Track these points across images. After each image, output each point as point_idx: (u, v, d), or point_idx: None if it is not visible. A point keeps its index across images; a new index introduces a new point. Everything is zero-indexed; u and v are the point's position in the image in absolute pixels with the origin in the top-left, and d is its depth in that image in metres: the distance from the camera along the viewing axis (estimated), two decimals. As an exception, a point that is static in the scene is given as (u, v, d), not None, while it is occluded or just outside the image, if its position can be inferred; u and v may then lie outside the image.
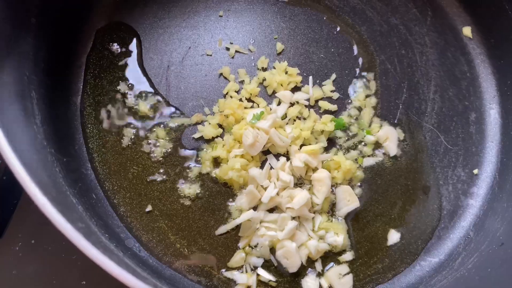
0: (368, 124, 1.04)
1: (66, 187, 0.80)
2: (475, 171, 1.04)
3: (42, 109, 0.84)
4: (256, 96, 1.04)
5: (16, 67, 0.76)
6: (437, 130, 1.06)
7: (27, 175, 0.59)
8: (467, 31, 1.12)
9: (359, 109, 1.05)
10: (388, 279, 0.96)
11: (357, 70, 1.08)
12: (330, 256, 0.96)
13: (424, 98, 1.08)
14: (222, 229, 0.95)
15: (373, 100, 1.06)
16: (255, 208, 0.96)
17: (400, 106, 1.07)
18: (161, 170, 0.98)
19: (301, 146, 0.99)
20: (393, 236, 0.98)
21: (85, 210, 0.81)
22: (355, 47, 1.10)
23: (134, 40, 1.07)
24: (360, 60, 1.09)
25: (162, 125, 1.01)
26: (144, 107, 1.02)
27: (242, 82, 1.05)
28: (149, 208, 0.96)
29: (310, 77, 1.06)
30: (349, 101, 1.06)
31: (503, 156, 1.04)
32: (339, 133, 1.02)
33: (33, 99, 0.81)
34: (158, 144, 1.00)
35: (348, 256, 0.96)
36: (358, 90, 1.07)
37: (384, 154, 1.03)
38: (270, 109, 1.02)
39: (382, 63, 1.10)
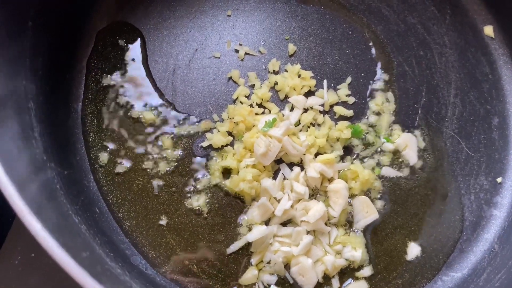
0: (386, 131, 0.98)
1: (68, 205, 0.74)
2: (499, 180, 0.98)
3: (41, 119, 0.79)
4: (267, 101, 0.98)
5: (12, 76, 0.71)
6: (458, 136, 1.00)
7: (26, 207, 0.53)
8: (488, 30, 1.07)
9: (377, 114, 1.00)
10: (409, 296, 0.91)
11: (374, 73, 1.02)
12: (348, 272, 0.91)
13: (444, 102, 1.02)
14: (234, 247, 0.89)
15: (391, 106, 1.00)
16: (267, 222, 0.90)
17: (419, 111, 1.01)
18: (168, 182, 0.93)
19: (316, 154, 0.94)
20: (413, 250, 0.93)
21: (88, 229, 0.76)
22: (371, 48, 1.04)
23: (138, 42, 1.01)
24: (377, 62, 1.03)
25: (168, 134, 0.95)
26: (149, 114, 0.96)
27: (252, 86, 1.00)
28: (163, 221, 0.90)
29: (325, 81, 1.00)
30: (366, 106, 1.00)
31: (528, 163, 0.99)
32: (355, 141, 0.97)
33: (31, 110, 0.76)
34: (164, 154, 0.94)
35: (367, 271, 0.91)
36: (376, 95, 1.01)
37: (402, 163, 0.97)
38: (283, 115, 0.97)
39: (399, 65, 1.04)
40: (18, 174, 0.56)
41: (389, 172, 0.96)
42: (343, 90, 1.00)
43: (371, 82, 1.02)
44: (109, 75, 0.98)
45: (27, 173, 0.61)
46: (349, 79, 1.01)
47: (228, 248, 0.90)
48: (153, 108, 0.97)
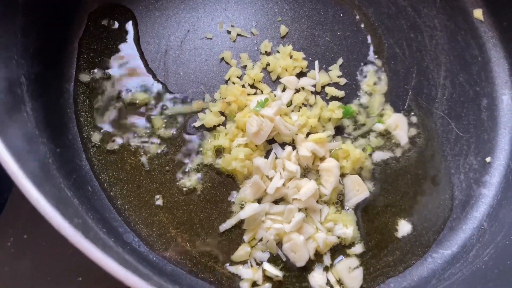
0: (377, 112, 0.99)
1: (61, 179, 0.74)
2: (488, 159, 1.00)
3: (33, 96, 0.78)
4: (259, 82, 0.99)
5: (4, 48, 0.70)
6: (447, 117, 1.02)
7: (18, 168, 0.53)
8: (478, 13, 1.08)
9: (368, 95, 1.00)
10: (399, 272, 0.92)
11: (365, 55, 1.03)
12: (339, 249, 0.91)
13: (434, 83, 1.03)
14: (226, 225, 0.90)
15: (383, 87, 1.01)
16: (259, 200, 0.91)
17: (410, 92, 1.02)
18: (161, 161, 0.93)
19: (307, 134, 0.94)
20: (404, 227, 0.94)
21: (80, 204, 0.76)
22: (362, 31, 1.05)
23: (130, 23, 1.01)
24: (368, 44, 1.04)
25: (160, 114, 0.96)
26: (141, 95, 0.96)
27: (244, 67, 1.00)
28: (156, 200, 0.91)
29: (316, 62, 1.01)
30: (357, 87, 1.01)
31: (517, 143, 1.00)
32: (347, 121, 0.98)
33: (23, 85, 0.76)
34: (156, 133, 0.94)
35: (358, 248, 0.92)
36: (367, 76, 1.02)
37: (393, 144, 0.98)
38: (275, 96, 0.97)
39: (390, 47, 1.05)
40: (10, 138, 0.56)
41: (381, 155, 0.97)
42: (335, 71, 1.01)
43: (362, 63, 1.03)
44: (101, 56, 0.98)
45: (20, 142, 0.61)
46: (340, 61, 1.02)
47: (220, 226, 0.90)
48: (145, 88, 0.97)
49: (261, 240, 0.89)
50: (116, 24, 1.01)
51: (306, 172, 0.94)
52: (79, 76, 0.96)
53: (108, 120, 0.95)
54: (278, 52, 1.01)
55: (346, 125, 0.98)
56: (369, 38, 1.05)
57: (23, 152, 0.59)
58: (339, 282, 0.90)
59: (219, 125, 0.95)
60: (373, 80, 1.01)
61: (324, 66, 1.02)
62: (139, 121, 0.95)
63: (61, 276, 0.94)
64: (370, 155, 0.97)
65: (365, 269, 0.91)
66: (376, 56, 1.04)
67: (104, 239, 0.70)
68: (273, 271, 0.87)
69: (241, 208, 0.91)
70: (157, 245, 0.89)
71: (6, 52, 0.72)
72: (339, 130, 0.98)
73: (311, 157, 0.91)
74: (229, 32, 1.02)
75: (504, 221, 0.91)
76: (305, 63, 1.00)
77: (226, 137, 0.93)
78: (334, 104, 0.97)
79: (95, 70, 0.97)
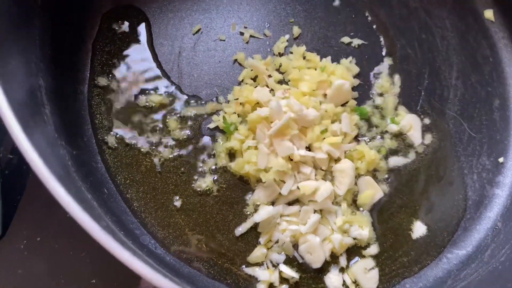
0: (392, 113, 0.99)
1: (80, 182, 0.74)
2: (501, 160, 1.00)
3: (51, 98, 0.78)
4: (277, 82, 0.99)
5: (24, 52, 0.71)
6: (460, 117, 1.02)
7: (48, 171, 0.53)
8: (489, 14, 1.08)
9: (381, 96, 1.01)
10: (415, 273, 0.92)
11: (378, 56, 1.03)
12: (355, 250, 0.92)
13: (446, 84, 1.04)
14: (242, 228, 0.90)
15: (396, 88, 1.01)
16: (273, 202, 0.91)
17: (422, 93, 1.03)
18: (176, 163, 0.93)
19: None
20: (419, 228, 0.94)
21: (99, 207, 0.76)
22: (374, 31, 1.05)
23: (143, 25, 1.01)
24: (380, 45, 1.04)
25: (175, 115, 0.96)
26: (155, 97, 0.96)
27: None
28: (173, 202, 0.91)
29: (329, 57, 1.01)
30: (371, 88, 1.01)
31: (529, 143, 1.01)
32: (360, 123, 0.98)
33: (42, 88, 0.76)
34: (171, 135, 0.94)
35: (373, 249, 0.92)
36: (380, 77, 1.02)
37: (407, 144, 0.98)
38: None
39: (402, 48, 1.05)
40: (38, 146, 0.56)
41: (396, 160, 0.97)
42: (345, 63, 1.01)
43: (375, 64, 1.03)
44: (114, 58, 0.98)
45: (45, 146, 0.61)
46: (350, 59, 1.02)
47: (236, 230, 0.90)
48: (159, 90, 0.97)
49: (277, 242, 0.89)
50: (129, 26, 1.00)
51: (318, 173, 0.93)
52: (93, 79, 0.96)
53: (123, 122, 0.95)
54: (291, 53, 1.01)
55: (360, 126, 0.98)
56: (381, 39, 1.05)
57: (48, 154, 0.59)
58: (355, 283, 0.90)
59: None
60: (386, 81, 1.01)
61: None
62: (154, 123, 0.95)
63: (75, 278, 0.94)
64: (385, 157, 0.97)
65: (381, 270, 0.91)
66: (388, 57, 1.04)
67: (126, 242, 0.70)
68: (290, 272, 0.87)
69: (255, 210, 0.91)
70: (173, 247, 0.89)
71: (26, 55, 0.72)
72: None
73: (326, 159, 0.91)
74: (242, 34, 1.02)
75: (518, 221, 0.92)
76: (318, 64, 1.00)
77: (237, 139, 0.93)
78: (351, 103, 0.97)
79: (109, 72, 0.97)
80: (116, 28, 1.00)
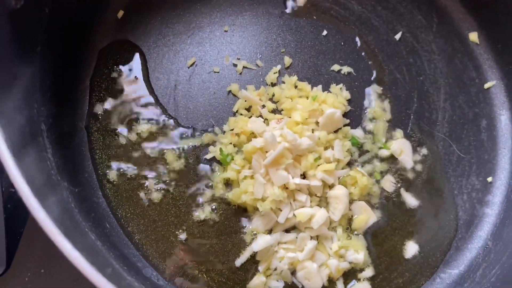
0: (383, 138, 1.02)
1: (83, 223, 0.77)
2: (489, 179, 1.03)
3: (52, 140, 0.81)
4: (270, 112, 1.02)
5: (26, 101, 0.73)
6: (449, 139, 1.05)
7: (56, 228, 0.56)
8: (473, 36, 1.11)
9: (372, 121, 1.04)
10: (409, 294, 0.95)
11: (367, 81, 1.07)
12: (351, 274, 0.94)
13: (434, 107, 1.07)
14: (241, 259, 0.93)
15: (387, 115, 1.04)
16: (271, 230, 0.94)
17: (411, 116, 1.06)
18: (174, 194, 0.96)
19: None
20: (412, 248, 0.97)
21: (102, 244, 0.79)
22: (363, 58, 1.08)
23: (139, 60, 1.04)
24: (369, 71, 1.08)
25: (172, 148, 0.98)
26: (153, 129, 0.99)
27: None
28: (178, 234, 0.93)
29: (319, 86, 1.04)
30: (362, 114, 1.04)
31: (516, 162, 1.04)
32: (352, 149, 1.01)
33: (44, 132, 0.78)
34: (169, 168, 0.97)
35: (368, 272, 0.95)
36: (372, 103, 1.05)
37: (399, 168, 1.01)
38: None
39: (391, 72, 1.08)
40: (43, 194, 0.59)
41: (390, 186, 1.00)
42: (336, 90, 1.05)
43: (365, 90, 1.06)
44: (112, 93, 1.01)
45: (49, 195, 0.63)
46: (340, 85, 1.05)
47: (236, 261, 0.93)
48: (156, 123, 1.00)
49: (275, 269, 0.92)
50: (126, 61, 1.03)
51: (313, 200, 0.96)
52: (91, 115, 0.99)
53: (122, 156, 0.97)
54: (284, 82, 1.04)
55: (353, 152, 1.01)
56: (370, 65, 1.08)
57: (50, 202, 0.61)
58: (352, 306, 0.93)
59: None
60: (378, 107, 1.04)
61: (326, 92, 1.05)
62: (152, 156, 0.98)
63: (79, 310, 0.96)
64: (378, 181, 1.00)
65: (377, 292, 0.94)
66: (378, 82, 1.07)
67: (131, 283, 0.73)
68: (289, 298, 0.90)
69: (254, 238, 0.93)
70: (175, 277, 0.91)
71: (29, 103, 0.75)
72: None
73: (321, 186, 0.94)
74: (235, 65, 1.06)
75: (508, 240, 0.95)
76: (310, 93, 1.03)
77: (233, 169, 0.95)
78: (345, 129, 1.01)
79: (107, 107, 1.00)
80: (113, 63, 1.03)
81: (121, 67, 1.03)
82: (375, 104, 1.05)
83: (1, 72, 0.64)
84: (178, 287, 0.91)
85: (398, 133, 1.04)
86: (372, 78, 1.07)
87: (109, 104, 1.01)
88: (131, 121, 1.00)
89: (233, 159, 0.96)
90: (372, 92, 1.06)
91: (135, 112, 1.00)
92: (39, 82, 0.81)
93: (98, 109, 1.00)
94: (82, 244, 0.59)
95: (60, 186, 0.77)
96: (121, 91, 1.01)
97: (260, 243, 0.90)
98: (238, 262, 0.92)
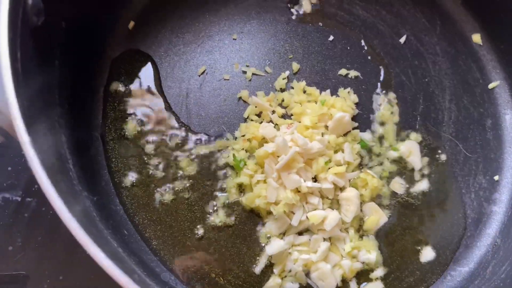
0: (393, 141, 1.05)
1: (105, 230, 0.79)
2: (496, 178, 1.05)
3: (72, 151, 0.83)
4: (279, 117, 1.04)
5: (48, 115, 0.76)
6: (455, 139, 1.07)
7: (88, 237, 0.58)
8: (476, 38, 1.14)
9: (381, 125, 1.06)
10: (421, 292, 0.98)
11: (374, 85, 1.09)
12: (363, 273, 0.97)
13: (440, 108, 1.09)
14: (259, 266, 0.95)
15: (395, 117, 1.07)
16: (285, 232, 0.96)
17: (418, 118, 1.08)
18: (190, 200, 0.98)
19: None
20: (428, 254, 0.99)
21: (123, 251, 0.81)
22: (369, 62, 1.11)
23: (151, 69, 1.06)
24: (376, 75, 1.10)
25: (186, 154, 1.01)
26: (167, 137, 1.01)
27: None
28: (199, 240, 0.96)
29: (328, 90, 1.07)
30: (370, 117, 1.07)
31: (521, 160, 1.06)
32: (363, 152, 1.03)
33: (64, 144, 0.81)
34: (183, 174, 1.00)
35: (380, 272, 0.97)
36: (379, 106, 1.07)
37: (408, 170, 1.04)
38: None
39: (396, 75, 1.11)
40: (70, 205, 0.61)
41: (401, 188, 1.03)
42: (344, 94, 1.07)
43: (372, 93, 1.08)
44: (125, 102, 1.04)
45: (75, 205, 0.66)
46: (348, 89, 1.07)
47: (255, 269, 0.95)
48: (169, 131, 1.02)
49: (290, 271, 0.94)
50: (138, 70, 1.06)
51: (325, 202, 0.98)
52: (106, 124, 1.01)
53: (137, 164, 1.00)
54: (292, 88, 1.07)
55: (363, 155, 1.03)
56: (376, 68, 1.11)
57: (77, 211, 0.64)
58: (366, 305, 0.95)
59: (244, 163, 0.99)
60: (386, 110, 1.06)
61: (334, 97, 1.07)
62: (166, 163, 1.00)
63: (97, 316, 0.98)
64: (388, 183, 1.02)
65: (389, 291, 0.96)
66: (384, 85, 1.09)
67: (153, 287, 0.75)
68: (304, 299, 0.93)
69: (268, 241, 0.95)
70: (192, 282, 0.94)
71: (50, 116, 0.77)
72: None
73: (332, 188, 0.96)
74: (244, 72, 1.08)
75: (516, 237, 0.97)
76: (318, 97, 1.05)
77: (246, 174, 0.98)
78: (355, 132, 1.03)
79: (122, 116, 1.02)
80: (126, 73, 1.05)
81: (133, 76, 1.05)
82: (385, 108, 1.07)
83: (28, 87, 0.66)
84: (195, 290, 0.93)
85: (412, 135, 1.05)
86: (379, 82, 1.10)
87: (123, 113, 1.03)
88: (145, 129, 1.02)
89: (245, 164, 0.98)
90: (381, 95, 1.08)
91: (149, 120, 1.03)
92: (58, 95, 0.84)
93: (113, 118, 1.02)
94: (110, 252, 0.61)
95: (82, 196, 0.79)
96: (134, 100, 1.04)
97: (274, 247, 0.93)
98: (258, 269, 0.95)
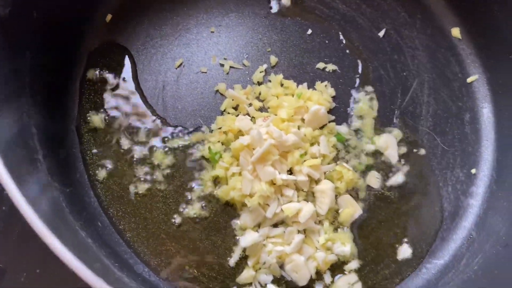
0: (371, 135, 1.05)
1: (74, 222, 0.79)
2: (473, 171, 1.05)
3: (43, 143, 0.83)
4: (256, 110, 1.04)
5: (16, 105, 0.75)
6: (433, 132, 1.07)
7: (44, 225, 0.58)
8: (455, 32, 1.14)
9: (359, 119, 1.06)
10: (396, 284, 0.98)
11: (352, 79, 1.09)
12: (338, 266, 0.97)
13: (418, 101, 1.09)
14: (234, 258, 0.95)
15: (374, 112, 1.06)
16: (259, 225, 0.96)
17: (396, 112, 1.08)
18: (164, 193, 0.98)
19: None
20: (405, 251, 0.99)
21: (94, 242, 0.81)
22: (348, 55, 1.11)
23: (128, 61, 1.06)
24: (354, 68, 1.10)
25: (161, 147, 1.01)
26: (142, 130, 1.01)
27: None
28: (178, 220, 0.96)
29: (305, 84, 1.06)
30: (346, 110, 1.07)
31: (498, 154, 1.06)
32: (339, 145, 1.03)
33: (34, 135, 0.81)
34: (158, 166, 0.99)
35: (354, 264, 0.97)
36: (358, 100, 1.07)
37: (384, 163, 1.04)
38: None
39: (375, 69, 1.11)
40: (30, 195, 0.61)
41: (376, 182, 1.03)
42: (321, 87, 1.07)
43: (350, 87, 1.08)
44: (101, 94, 1.03)
45: (38, 194, 0.66)
46: (325, 83, 1.07)
47: (229, 261, 0.95)
48: (145, 123, 1.02)
49: (264, 263, 0.94)
50: (115, 63, 1.06)
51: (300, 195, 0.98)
52: (82, 116, 1.01)
53: (112, 156, 1.00)
54: (270, 81, 1.07)
55: (339, 149, 1.03)
56: (354, 62, 1.11)
57: (41, 202, 0.64)
58: (340, 297, 0.95)
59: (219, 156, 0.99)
60: (365, 104, 1.06)
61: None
62: (142, 155, 1.00)
63: (75, 307, 0.98)
64: (363, 176, 1.02)
65: (364, 283, 0.96)
66: (362, 79, 1.09)
67: (120, 278, 0.75)
68: (278, 291, 0.93)
69: (243, 233, 0.95)
70: (166, 274, 0.94)
71: (18, 107, 0.77)
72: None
73: (307, 181, 0.96)
74: (222, 65, 1.08)
75: (491, 230, 0.97)
76: (295, 90, 1.05)
77: (222, 167, 0.98)
78: (331, 125, 1.03)
79: (97, 109, 1.02)
80: (102, 66, 1.05)
81: (109, 69, 1.05)
82: (363, 102, 1.07)
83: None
84: (169, 283, 0.93)
85: (379, 132, 1.05)
86: (357, 75, 1.10)
87: (98, 105, 1.03)
88: (120, 121, 1.02)
89: (221, 157, 0.98)
90: (359, 89, 1.08)
91: (124, 113, 1.03)
92: (28, 86, 0.83)
93: (88, 110, 1.02)
94: (71, 241, 0.61)
95: (51, 187, 0.79)
96: (110, 92, 1.03)
97: (248, 239, 0.93)
98: (232, 261, 0.95)
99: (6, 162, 0.60)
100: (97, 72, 1.05)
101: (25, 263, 1.01)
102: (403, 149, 1.05)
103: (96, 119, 1.01)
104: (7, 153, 0.62)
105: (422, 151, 1.06)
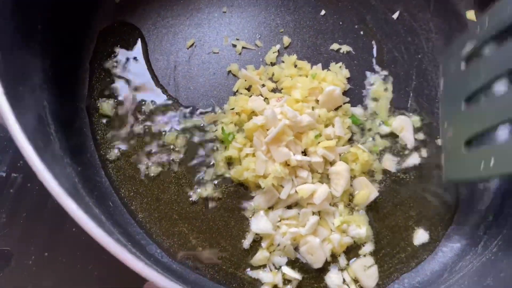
0: (385, 117, 1.03)
1: (87, 197, 0.77)
2: (489, 154, 1.03)
3: (54, 118, 0.82)
4: (270, 91, 1.02)
5: (30, 76, 0.74)
6: (448, 115, 1.05)
7: (64, 193, 0.56)
8: (470, 14, 1.12)
9: (374, 101, 1.04)
10: (412, 268, 0.96)
11: (367, 61, 1.07)
12: (353, 248, 0.95)
13: (433, 84, 1.08)
14: (248, 240, 0.93)
15: (388, 92, 1.05)
16: (273, 206, 0.95)
17: (411, 94, 1.06)
18: (177, 173, 0.96)
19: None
20: (421, 235, 0.97)
21: (107, 220, 0.79)
22: (361, 37, 1.09)
23: (139, 41, 1.04)
24: (368, 50, 1.08)
25: (173, 128, 0.99)
26: (154, 110, 0.99)
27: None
28: (191, 200, 0.94)
29: (319, 64, 1.05)
30: (361, 92, 1.05)
31: (515, 137, 1.04)
32: (354, 128, 1.01)
33: (46, 108, 0.79)
34: (171, 147, 0.98)
35: (369, 247, 0.95)
36: (374, 83, 1.05)
37: (400, 146, 1.02)
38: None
39: (389, 51, 1.09)
40: (48, 164, 0.59)
41: (393, 164, 1.01)
42: (335, 68, 1.05)
43: (364, 68, 1.07)
44: (112, 74, 1.02)
45: (56, 166, 0.64)
46: (339, 64, 1.06)
47: (244, 243, 0.93)
48: (157, 103, 1.00)
49: (278, 245, 0.92)
50: (126, 42, 1.04)
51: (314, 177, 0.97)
52: (92, 96, 0.99)
53: (123, 137, 0.98)
54: (283, 62, 1.05)
55: (354, 131, 1.01)
56: (369, 44, 1.09)
57: (58, 173, 0.62)
58: (355, 280, 0.93)
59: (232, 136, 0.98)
60: (380, 86, 1.05)
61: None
62: (154, 136, 0.98)
63: (83, 291, 0.97)
64: (379, 158, 1.00)
65: (380, 266, 0.95)
66: (377, 61, 1.08)
67: (136, 252, 0.73)
68: (292, 274, 0.91)
69: (255, 215, 0.94)
70: (179, 255, 0.92)
71: (32, 78, 0.75)
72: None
73: (322, 162, 0.94)
74: (234, 46, 1.06)
75: (508, 213, 0.95)
76: (309, 71, 1.04)
77: (235, 147, 0.96)
78: (346, 106, 1.01)
79: (108, 89, 1.00)
80: (113, 45, 1.03)
81: (120, 48, 1.03)
82: (378, 84, 1.05)
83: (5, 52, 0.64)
84: (182, 264, 0.91)
85: (394, 114, 1.04)
86: (372, 57, 1.08)
87: (109, 85, 1.01)
88: (132, 101, 1.00)
89: (234, 138, 0.96)
90: (374, 72, 1.07)
91: (135, 93, 1.01)
92: (40, 61, 0.82)
93: (98, 90, 1.00)
94: (88, 211, 0.59)
95: (64, 161, 0.78)
96: (121, 72, 1.02)
97: (259, 225, 0.91)
98: (246, 243, 0.93)
99: (24, 129, 0.58)
100: (108, 50, 1.03)
101: (33, 246, 0.99)
102: (418, 131, 1.03)
103: (106, 102, 0.99)
104: (25, 122, 0.60)
105: (437, 134, 1.04)
